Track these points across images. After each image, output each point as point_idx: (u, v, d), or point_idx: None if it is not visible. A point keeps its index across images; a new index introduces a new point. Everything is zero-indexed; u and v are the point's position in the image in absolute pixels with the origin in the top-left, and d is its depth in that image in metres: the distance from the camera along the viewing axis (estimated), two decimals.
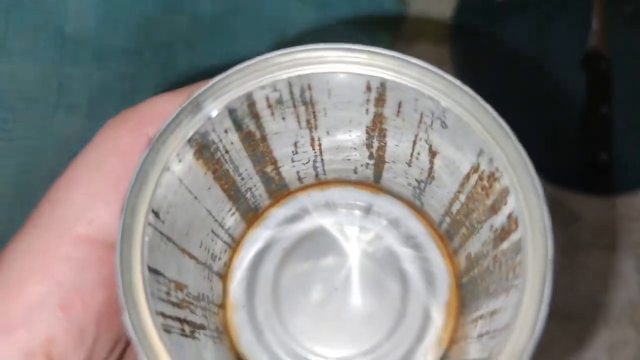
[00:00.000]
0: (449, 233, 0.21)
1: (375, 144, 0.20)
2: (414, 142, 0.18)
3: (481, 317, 0.18)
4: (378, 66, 0.16)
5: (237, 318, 0.22)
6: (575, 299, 0.42)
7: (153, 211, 0.16)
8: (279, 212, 0.23)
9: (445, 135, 0.17)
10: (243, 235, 0.23)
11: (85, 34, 0.30)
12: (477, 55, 0.45)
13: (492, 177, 0.16)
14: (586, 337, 0.41)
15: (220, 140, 0.17)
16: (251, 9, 0.35)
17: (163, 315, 0.15)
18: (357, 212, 0.23)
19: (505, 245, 0.16)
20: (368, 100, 0.17)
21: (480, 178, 0.17)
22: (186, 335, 0.17)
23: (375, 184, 0.23)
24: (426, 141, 0.18)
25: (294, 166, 0.21)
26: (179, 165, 0.16)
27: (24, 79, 0.28)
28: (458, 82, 0.16)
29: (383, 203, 0.23)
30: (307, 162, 0.21)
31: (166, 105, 0.17)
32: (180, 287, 0.17)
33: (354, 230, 0.23)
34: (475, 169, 0.17)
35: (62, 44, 0.28)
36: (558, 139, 0.43)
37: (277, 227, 0.23)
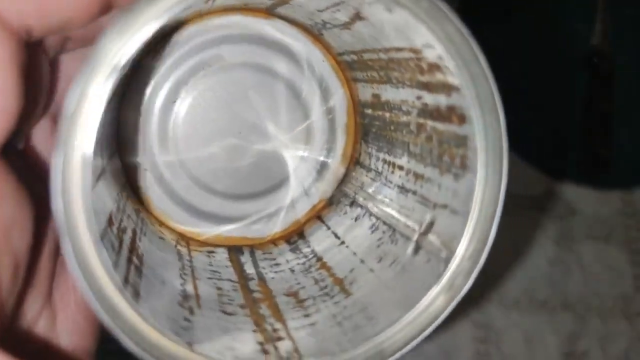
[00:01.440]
0: (351, 66, 0.20)
1: None
2: (337, 3, 0.17)
3: (401, 168, 0.18)
4: None
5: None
6: (569, 290, 0.42)
7: None
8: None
9: (386, 18, 0.16)
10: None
11: None
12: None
13: (436, 68, 0.15)
14: (579, 328, 0.42)
15: None
16: None
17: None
18: (243, 43, 0.21)
19: (440, 126, 0.16)
20: None
21: (418, 59, 0.16)
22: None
23: (267, 11, 0.21)
24: (355, 8, 0.16)
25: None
26: None
27: None
28: None
29: (274, 29, 0.21)
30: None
31: None
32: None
33: (238, 56, 0.21)
34: (414, 50, 0.16)
35: None
36: (559, 134, 0.44)
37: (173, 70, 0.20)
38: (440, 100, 0.16)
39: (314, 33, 0.21)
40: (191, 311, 0.17)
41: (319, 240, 0.21)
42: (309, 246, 0.21)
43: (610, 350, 0.42)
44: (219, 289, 0.19)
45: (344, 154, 0.22)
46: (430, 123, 0.17)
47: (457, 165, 0.16)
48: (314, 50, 0.21)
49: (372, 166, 0.21)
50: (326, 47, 0.21)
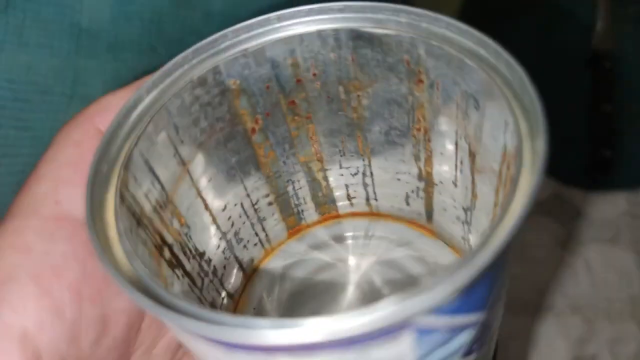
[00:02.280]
0: None
1: (422, 155, 0.19)
2: (456, 145, 0.18)
3: None
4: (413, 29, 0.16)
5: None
6: (576, 294, 0.42)
7: (167, 110, 0.15)
8: (323, 233, 0.22)
9: (478, 120, 0.16)
10: (280, 244, 0.22)
11: (101, 28, 0.30)
12: None
13: (515, 157, 0.15)
14: (587, 332, 0.42)
15: (262, 94, 0.17)
16: (263, 4, 0.35)
17: (140, 207, 0.15)
18: (397, 251, 0.22)
19: None
20: (407, 72, 0.16)
21: (508, 167, 0.16)
22: (160, 252, 0.16)
23: (427, 225, 0.22)
24: (465, 139, 0.17)
25: (342, 174, 0.20)
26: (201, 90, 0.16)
27: (40, 70, 0.29)
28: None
29: (429, 247, 0.21)
30: (356, 174, 0.20)
31: (112, 100, 0.18)
32: (179, 217, 0.17)
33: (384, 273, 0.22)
34: (503, 154, 0.16)
35: (78, 37, 0.29)
36: (562, 136, 0.43)
37: (315, 249, 0.22)
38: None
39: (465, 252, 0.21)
40: None
41: None
42: None
43: (619, 354, 0.41)
44: None
45: None
46: None
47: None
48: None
49: None
50: None
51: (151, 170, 0.16)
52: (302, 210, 0.22)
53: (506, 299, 0.18)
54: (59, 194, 0.16)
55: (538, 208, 0.43)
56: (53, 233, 0.16)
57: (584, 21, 0.44)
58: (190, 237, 0.18)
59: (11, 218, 0.16)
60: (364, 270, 0.22)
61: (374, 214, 0.22)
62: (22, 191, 0.17)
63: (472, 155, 0.18)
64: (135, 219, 0.15)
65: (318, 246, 0.22)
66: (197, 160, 0.17)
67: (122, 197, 0.14)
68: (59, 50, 0.29)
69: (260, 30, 0.17)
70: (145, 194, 0.15)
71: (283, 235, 0.22)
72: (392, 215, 0.22)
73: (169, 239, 0.16)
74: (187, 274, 0.18)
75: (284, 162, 0.19)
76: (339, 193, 0.21)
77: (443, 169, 0.19)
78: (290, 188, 0.20)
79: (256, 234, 0.21)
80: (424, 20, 0.16)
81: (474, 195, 0.19)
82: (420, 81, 0.17)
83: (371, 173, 0.20)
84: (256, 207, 0.20)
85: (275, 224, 0.21)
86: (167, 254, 0.16)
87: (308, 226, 0.22)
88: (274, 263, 0.22)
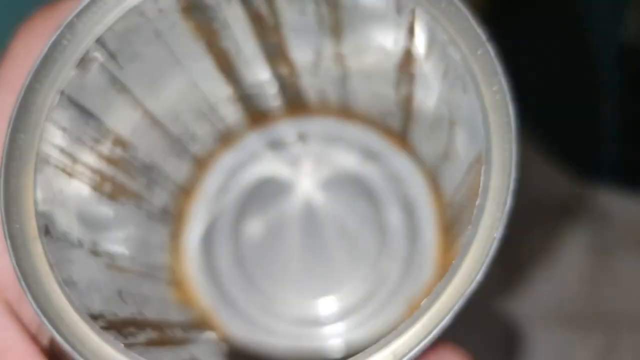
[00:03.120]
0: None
1: (403, 90, 0.18)
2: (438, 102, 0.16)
3: None
4: None
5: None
6: (600, 302, 0.41)
7: (100, 41, 0.13)
8: (288, 130, 0.21)
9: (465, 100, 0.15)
10: (239, 135, 0.21)
11: None
12: (513, 50, 0.44)
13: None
14: (611, 343, 0.40)
15: (220, 8, 0.15)
16: None
17: (72, 158, 0.14)
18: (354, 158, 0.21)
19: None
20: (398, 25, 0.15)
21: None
22: (100, 191, 0.15)
23: (401, 137, 0.21)
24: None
25: (316, 83, 0.19)
26: (156, 12, 0.14)
27: None
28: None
29: (397, 163, 0.21)
30: (332, 82, 0.19)
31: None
32: (123, 144, 0.16)
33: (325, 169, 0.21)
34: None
35: None
36: (589, 135, 0.43)
37: (274, 145, 0.21)
38: None
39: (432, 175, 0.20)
40: None
41: None
42: None
43: None
44: None
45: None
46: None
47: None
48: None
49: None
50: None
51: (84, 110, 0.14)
52: (269, 103, 0.20)
53: None
54: None
55: (561, 210, 0.41)
56: None
57: (615, 16, 0.42)
58: (135, 157, 0.17)
59: None
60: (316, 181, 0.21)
61: (345, 113, 0.21)
62: None
63: (451, 123, 0.17)
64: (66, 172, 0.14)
65: (278, 143, 0.21)
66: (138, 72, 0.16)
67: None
68: None
69: None
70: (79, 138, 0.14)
71: (242, 127, 0.21)
72: (367, 117, 0.21)
73: (110, 172, 0.16)
74: (130, 194, 0.17)
75: (250, 69, 0.18)
76: (312, 96, 0.20)
77: (424, 113, 0.18)
78: (255, 90, 0.19)
79: (215, 127, 0.20)
80: None
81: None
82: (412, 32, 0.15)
83: (349, 83, 0.19)
84: (214, 106, 0.19)
85: (235, 118, 0.20)
86: (107, 187, 0.16)
87: (275, 118, 0.21)
88: (229, 157, 0.21)
